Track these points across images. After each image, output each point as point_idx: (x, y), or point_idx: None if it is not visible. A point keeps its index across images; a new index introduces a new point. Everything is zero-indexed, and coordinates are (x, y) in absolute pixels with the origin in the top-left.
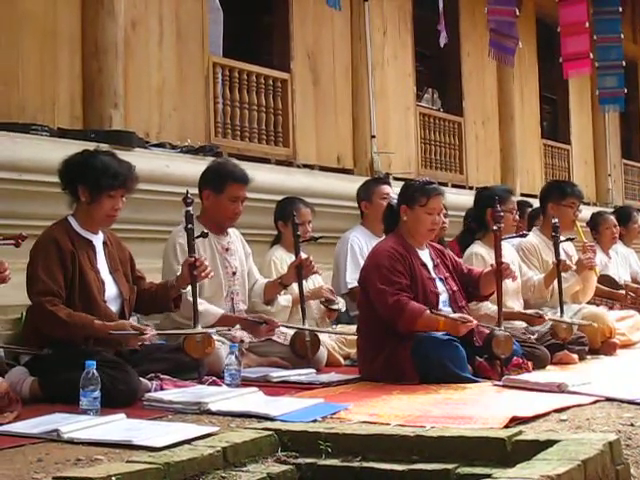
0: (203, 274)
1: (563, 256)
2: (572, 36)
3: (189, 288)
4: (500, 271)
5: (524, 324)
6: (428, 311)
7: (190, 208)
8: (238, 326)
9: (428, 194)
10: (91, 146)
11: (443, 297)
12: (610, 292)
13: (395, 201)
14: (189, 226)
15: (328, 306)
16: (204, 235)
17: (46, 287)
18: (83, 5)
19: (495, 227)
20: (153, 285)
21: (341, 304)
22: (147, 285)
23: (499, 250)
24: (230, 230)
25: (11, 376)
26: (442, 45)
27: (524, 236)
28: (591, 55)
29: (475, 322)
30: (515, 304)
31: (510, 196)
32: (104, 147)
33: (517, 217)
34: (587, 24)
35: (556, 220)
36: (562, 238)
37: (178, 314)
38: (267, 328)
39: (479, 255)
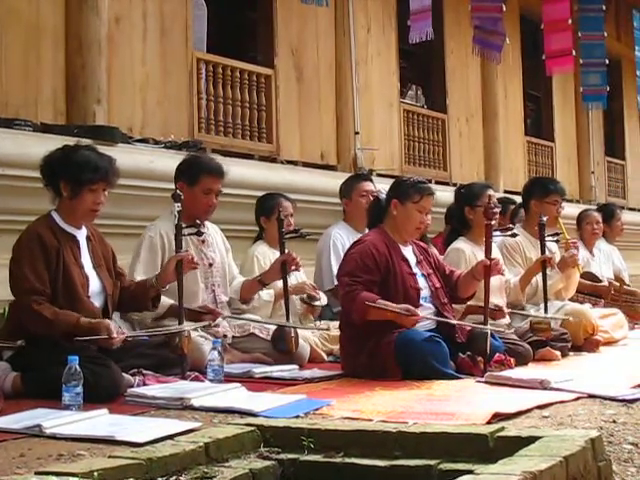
0: (191, 265)
1: (546, 253)
2: (555, 33)
3: (169, 286)
4: (489, 267)
5: (507, 321)
6: (380, 300)
7: (179, 204)
8: (220, 320)
9: (422, 192)
10: (74, 141)
11: (424, 293)
12: (593, 286)
13: (384, 196)
14: (178, 223)
15: (309, 302)
16: (199, 234)
17: (32, 286)
18: (67, 1)
19: (487, 223)
20: (132, 283)
21: (323, 299)
22: (127, 283)
23: (489, 246)
24: (208, 224)
25: None
26: (411, 42)
27: (514, 235)
28: (574, 52)
29: (420, 315)
30: (499, 300)
31: (487, 191)
32: (87, 142)
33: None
34: (570, 21)
35: (543, 218)
36: (548, 235)
37: (147, 312)
38: (210, 318)
39: (460, 250)
